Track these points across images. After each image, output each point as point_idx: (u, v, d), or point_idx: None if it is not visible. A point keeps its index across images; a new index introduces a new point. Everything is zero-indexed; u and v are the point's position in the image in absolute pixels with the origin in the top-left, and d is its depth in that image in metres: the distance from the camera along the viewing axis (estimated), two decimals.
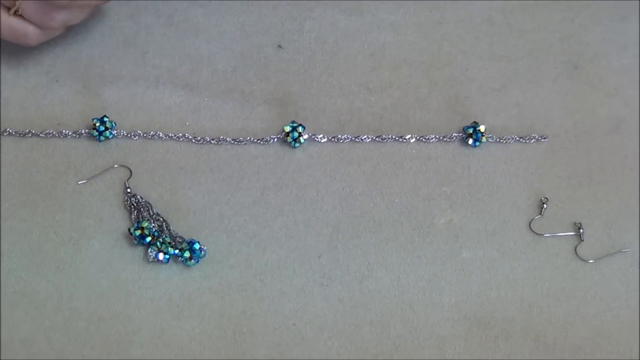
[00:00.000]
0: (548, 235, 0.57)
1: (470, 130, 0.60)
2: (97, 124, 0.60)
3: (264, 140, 0.60)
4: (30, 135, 0.60)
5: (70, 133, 0.60)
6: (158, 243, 0.55)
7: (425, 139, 0.61)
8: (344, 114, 0.62)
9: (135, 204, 0.57)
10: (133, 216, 0.57)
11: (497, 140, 0.61)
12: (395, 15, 0.66)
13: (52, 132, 0.60)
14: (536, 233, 0.57)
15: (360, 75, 0.64)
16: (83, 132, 0.60)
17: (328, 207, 0.58)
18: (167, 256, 0.55)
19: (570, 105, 0.63)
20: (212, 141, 0.60)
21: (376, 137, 0.61)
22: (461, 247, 0.57)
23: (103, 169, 0.59)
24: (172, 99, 0.62)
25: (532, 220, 0.58)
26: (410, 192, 0.59)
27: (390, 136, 0.61)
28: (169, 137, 0.60)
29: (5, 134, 0.60)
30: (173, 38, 0.65)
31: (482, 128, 0.60)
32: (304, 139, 0.60)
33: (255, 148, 0.60)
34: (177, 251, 0.55)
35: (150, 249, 0.55)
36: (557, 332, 0.54)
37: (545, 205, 0.58)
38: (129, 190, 0.58)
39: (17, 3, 0.56)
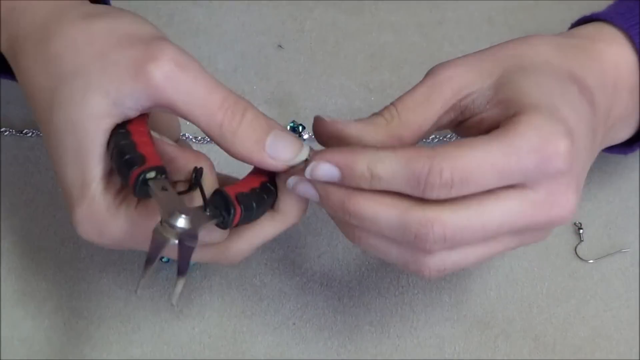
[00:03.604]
0: None
1: None
2: None
3: None
4: (30, 134, 0.60)
5: None
6: None
7: (425, 138, 0.60)
8: (344, 114, 0.62)
9: None
10: None
11: None
12: (395, 16, 0.66)
13: None
14: None
15: (360, 75, 0.64)
16: None
17: None
18: None
19: None
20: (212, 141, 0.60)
21: None
22: None
23: None
24: None
25: None
26: None
27: None
28: None
29: (5, 132, 0.60)
30: (173, 38, 0.65)
31: None
32: (305, 139, 0.60)
33: None
34: None
35: None
36: (557, 332, 0.54)
37: None
38: None
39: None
